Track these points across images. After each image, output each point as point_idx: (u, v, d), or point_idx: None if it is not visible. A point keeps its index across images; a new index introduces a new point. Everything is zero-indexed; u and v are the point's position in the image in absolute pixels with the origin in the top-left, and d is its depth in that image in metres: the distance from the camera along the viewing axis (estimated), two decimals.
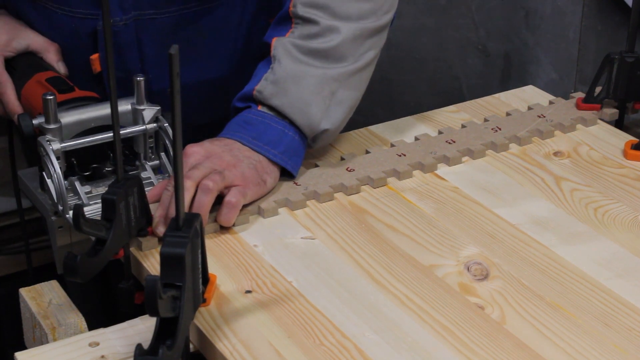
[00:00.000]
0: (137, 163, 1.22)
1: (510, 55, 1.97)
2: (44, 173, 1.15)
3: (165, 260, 0.91)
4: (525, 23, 1.91)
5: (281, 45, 1.23)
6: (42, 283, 1.10)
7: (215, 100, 1.40)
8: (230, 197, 1.15)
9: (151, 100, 1.23)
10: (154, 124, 1.20)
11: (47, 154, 1.13)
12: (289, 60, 1.22)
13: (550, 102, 1.44)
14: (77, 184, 1.16)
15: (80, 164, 1.19)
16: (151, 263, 1.09)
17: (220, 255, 1.11)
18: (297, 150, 1.23)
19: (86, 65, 1.33)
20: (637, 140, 1.33)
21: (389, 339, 0.99)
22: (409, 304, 1.04)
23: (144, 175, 1.21)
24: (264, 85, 1.22)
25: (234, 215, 1.15)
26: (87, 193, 1.17)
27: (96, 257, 0.99)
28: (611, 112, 1.41)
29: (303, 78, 1.22)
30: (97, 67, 1.33)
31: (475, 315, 1.02)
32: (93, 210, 1.15)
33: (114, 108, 0.98)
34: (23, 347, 1.06)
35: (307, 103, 1.22)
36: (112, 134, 1.03)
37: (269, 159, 1.21)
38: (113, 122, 0.99)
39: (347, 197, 1.23)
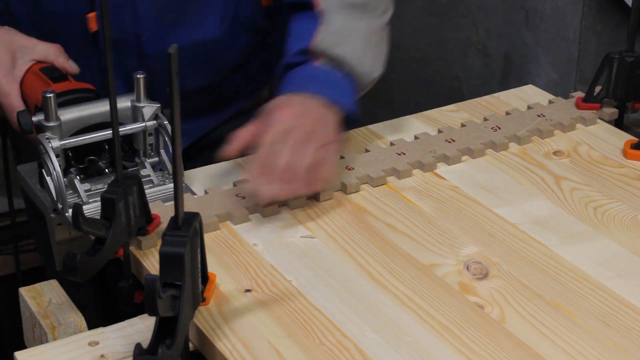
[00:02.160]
0: (137, 160, 1.23)
1: (510, 55, 1.97)
2: (43, 170, 1.15)
3: (164, 259, 0.91)
4: (525, 23, 1.91)
5: (326, 0, 1.28)
6: (42, 282, 1.10)
7: (204, 65, 1.41)
8: (325, 159, 1.18)
9: (144, 63, 1.24)
10: (154, 121, 1.20)
11: (47, 152, 1.13)
12: (339, 14, 1.28)
13: (550, 102, 1.44)
14: (76, 181, 1.16)
15: (75, 156, 1.19)
16: (151, 262, 1.09)
17: (219, 254, 1.11)
18: (355, 100, 1.27)
19: (82, 25, 1.32)
20: (637, 139, 1.33)
21: (389, 338, 0.99)
22: (408, 303, 1.04)
23: (143, 172, 1.22)
24: (323, 37, 1.27)
25: (334, 171, 1.20)
26: (86, 191, 1.17)
27: (96, 256, 1.00)
28: (611, 111, 1.41)
29: (354, 29, 1.28)
30: (93, 26, 1.33)
31: (474, 315, 1.02)
32: (92, 208, 1.15)
33: (113, 107, 0.98)
34: (23, 346, 1.05)
35: (363, 52, 1.28)
36: (111, 131, 1.03)
37: (339, 109, 1.24)
38: (112, 122, 0.99)
39: (347, 196, 1.23)
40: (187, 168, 1.41)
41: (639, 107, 1.41)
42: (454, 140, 1.33)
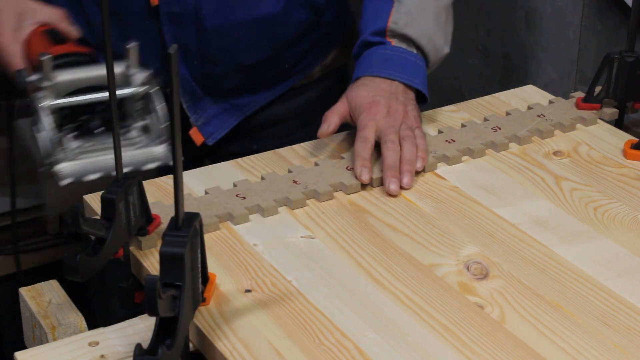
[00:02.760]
0: (125, 124, 1.24)
1: (510, 55, 1.97)
2: (33, 128, 1.19)
3: (164, 259, 0.91)
4: (525, 23, 1.91)
5: None
6: (42, 282, 1.10)
7: (260, 40, 1.46)
8: (420, 138, 1.29)
9: (202, 36, 1.35)
10: (144, 87, 1.22)
11: (37, 110, 1.16)
12: None
13: (550, 102, 1.44)
14: (65, 140, 1.19)
15: (72, 116, 1.22)
16: (151, 262, 1.09)
17: (219, 255, 1.11)
18: (426, 78, 1.37)
19: (144, 0, 1.38)
20: (637, 139, 1.33)
21: (389, 338, 0.99)
22: (408, 304, 1.04)
23: (130, 135, 1.23)
24: (397, 17, 1.34)
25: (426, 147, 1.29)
26: (76, 148, 1.20)
27: (96, 256, 0.99)
28: (611, 111, 1.41)
29: (425, 8, 1.35)
30: (154, 0, 1.38)
31: (475, 315, 1.02)
32: (76, 165, 1.18)
33: (113, 102, 0.98)
34: (23, 347, 1.05)
35: (433, 30, 1.35)
36: (103, 94, 1.18)
37: (413, 88, 1.34)
38: (113, 118, 0.99)
39: (347, 196, 1.23)
40: (237, 146, 1.51)
41: (639, 107, 1.41)
42: (454, 141, 1.33)
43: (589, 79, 1.64)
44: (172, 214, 0.92)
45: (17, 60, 1.30)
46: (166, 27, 1.40)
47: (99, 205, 1.02)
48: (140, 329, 1.01)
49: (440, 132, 1.36)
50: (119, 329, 1.02)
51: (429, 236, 1.15)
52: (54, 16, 1.34)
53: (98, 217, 1.02)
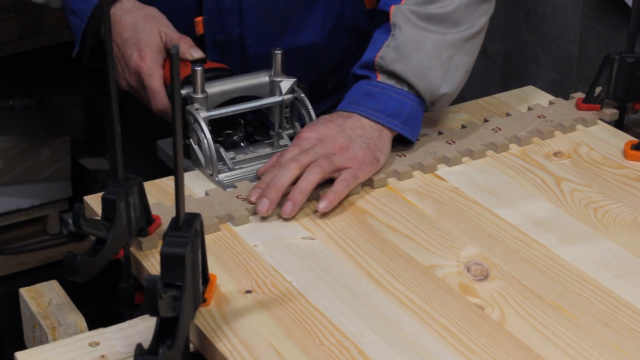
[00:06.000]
0: (272, 133, 1.30)
1: (510, 55, 1.97)
2: (191, 140, 1.24)
3: (165, 260, 0.91)
4: (525, 23, 1.92)
5: (400, 13, 1.27)
6: (42, 283, 1.10)
7: (306, 67, 1.44)
8: (341, 180, 1.19)
9: (246, 63, 1.36)
10: (290, 95, 1.28)
11: (197, 121, 1.22)
12: (408, 27, 1.27)
13: (550, 103, 1.44)
14: (221, 150, 1.25)
15: (215, 130, 1.27)
16: (151, 263, 1.09)
17: (220, 255, 1.11)
18: (417, 117, 1.28)
19: (190, 27, 1.38)
20: (637, 140, 1.33)
21: (389, 339, 0.99)
22: (409, 304, 1.04)
23: (281, 143, 1.30)
24: (386, 52, 1.27)
25: (343, 192, 1.19)
26: (231, 159, 1.26)
27: (96, 257, 1.00)
28: (611, 112, 1.41)
29: (423, 43, 1.26)
30: (200, 29, 1.39)
31: (475, 316, 1.02)
32: (236, 175, 1.24)
33: (114, 107, 0.98)
34: (23, 347, 1.05)
35: (428, 67, 1.26)
36: (251, 104, 1.26)
37: (390, 129, 1.25)
38: (113, 123, 0.99)
39: (348, 198, 1.22)
40: None
41: (639, 107, 1.41)
42: (454, 142, 1.33)
43: (589, 79, 1.65)
44: (173, 215, 0.93)
45: (157, 83, 1.30)
46: (211, 55, 1.40)
47: (100, 205, 1.02)
48: (140, 329, 1.02)
49: (440, 133, 1.36)
50: (120, 329, 1.02)
51: (429, 237, 1.15)
52: (182, 42, 1.34)
53: (98, 218, 1.03)
